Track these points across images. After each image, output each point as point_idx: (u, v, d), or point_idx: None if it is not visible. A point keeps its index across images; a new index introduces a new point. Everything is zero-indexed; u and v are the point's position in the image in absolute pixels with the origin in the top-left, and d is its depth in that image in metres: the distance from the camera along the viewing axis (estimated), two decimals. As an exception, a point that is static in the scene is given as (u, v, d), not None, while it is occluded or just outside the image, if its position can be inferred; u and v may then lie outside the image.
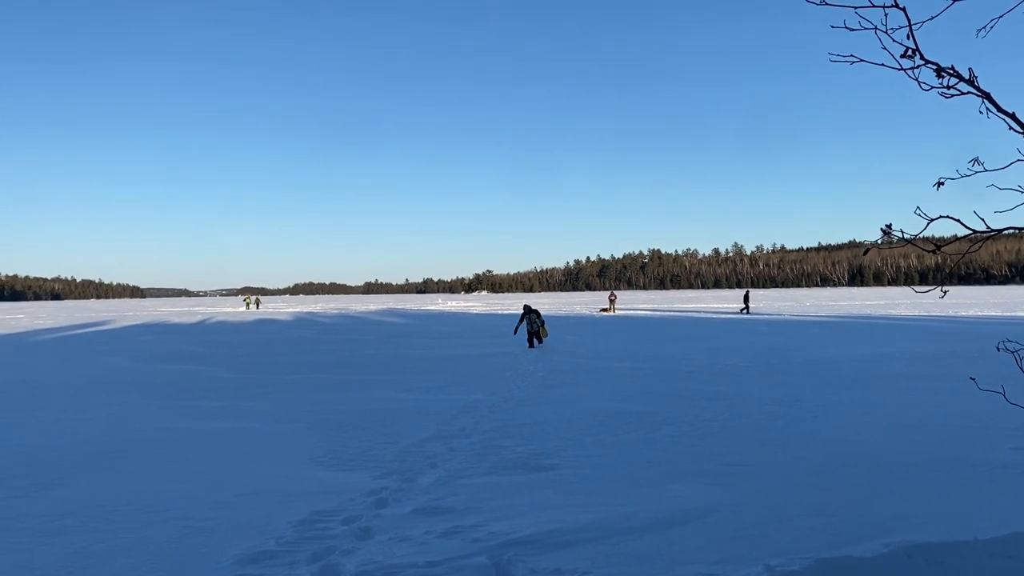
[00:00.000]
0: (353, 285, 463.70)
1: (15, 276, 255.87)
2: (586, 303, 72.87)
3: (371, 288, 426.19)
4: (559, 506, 5.76)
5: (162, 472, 7.06)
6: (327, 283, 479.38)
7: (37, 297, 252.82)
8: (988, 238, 2.65)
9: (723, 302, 67.32)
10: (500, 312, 52.92)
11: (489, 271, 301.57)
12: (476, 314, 52.36)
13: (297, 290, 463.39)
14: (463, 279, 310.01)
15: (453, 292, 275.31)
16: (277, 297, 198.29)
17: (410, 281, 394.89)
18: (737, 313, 43.40)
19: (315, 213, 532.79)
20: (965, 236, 2.71)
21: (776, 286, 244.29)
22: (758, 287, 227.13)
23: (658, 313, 46.53)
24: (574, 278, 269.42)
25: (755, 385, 12.46)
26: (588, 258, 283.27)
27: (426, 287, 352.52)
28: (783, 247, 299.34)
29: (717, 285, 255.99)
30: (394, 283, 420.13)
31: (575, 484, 6.41)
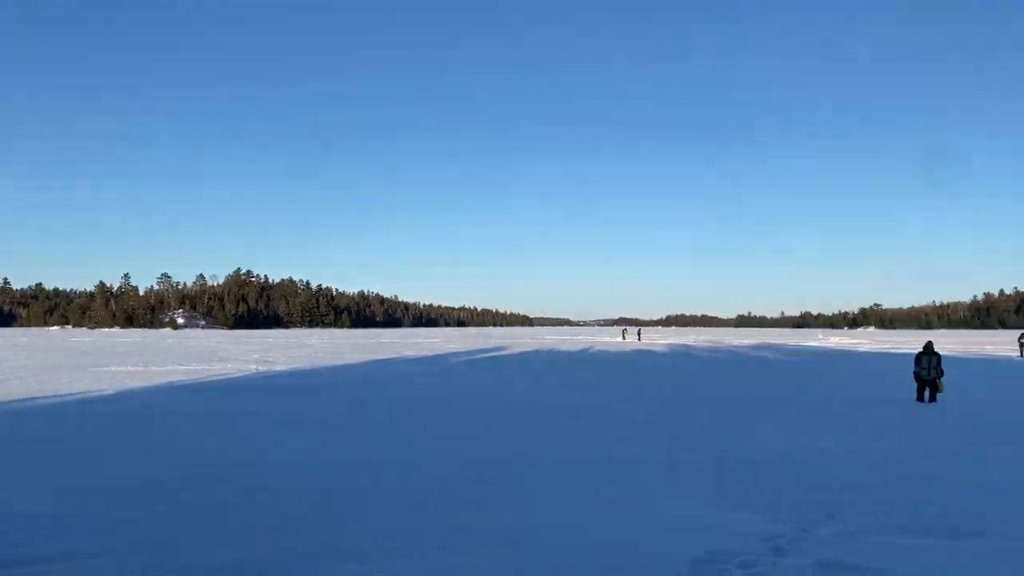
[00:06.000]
0: (724, 318, 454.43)
1: (430, 305, 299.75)
2: (998, 344, 62.55)
3: (743, 321, 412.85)
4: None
5: (582, 496, 7.69)
6: (699, 315, 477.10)
7: (446, 323, 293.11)
8: None
9: None
10: (892, 351, 48.04)
11: (877, 304, 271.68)
12: (864, 352, 48.29)
13: (669, 321, 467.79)
14: (846, 313, 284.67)
15: (835, 327, 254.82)
16: (651, 328, 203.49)
17: (786, 314, 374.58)
18: None
19: (688, 244, 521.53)
20: None
21: None
22: None
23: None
24: (983, 315, 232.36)
25: None
26: (1002, 291, 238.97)
27: (803, 321, 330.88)
28: None
29: None
30: (768, 316, 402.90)
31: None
